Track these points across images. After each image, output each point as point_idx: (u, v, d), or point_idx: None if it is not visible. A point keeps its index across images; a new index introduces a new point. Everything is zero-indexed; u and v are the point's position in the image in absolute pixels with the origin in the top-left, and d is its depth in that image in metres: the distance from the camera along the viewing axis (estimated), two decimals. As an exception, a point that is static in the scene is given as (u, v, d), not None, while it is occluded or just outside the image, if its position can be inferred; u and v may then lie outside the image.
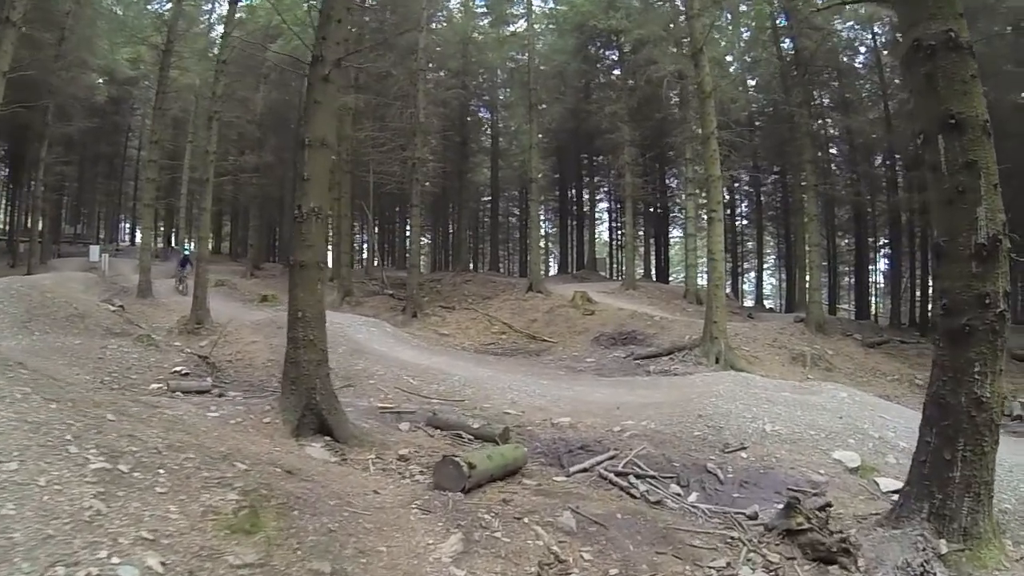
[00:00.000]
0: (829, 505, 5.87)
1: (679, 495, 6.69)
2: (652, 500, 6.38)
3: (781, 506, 5.61)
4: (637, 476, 6.97)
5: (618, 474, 7.01)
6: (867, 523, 5.60)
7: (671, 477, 7.09)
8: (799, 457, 7.72)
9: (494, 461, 6.46)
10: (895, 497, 7.11)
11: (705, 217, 22.18)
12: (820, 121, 26.69)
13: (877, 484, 7.35)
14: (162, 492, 4.21)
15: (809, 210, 22.79)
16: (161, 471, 4.48)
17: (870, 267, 34.65)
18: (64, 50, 29.30)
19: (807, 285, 23.51)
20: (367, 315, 21.89)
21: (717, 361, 15.37)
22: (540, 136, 37.12)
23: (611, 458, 7.60)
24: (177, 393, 10.28)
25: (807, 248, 23.59)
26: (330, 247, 30.20)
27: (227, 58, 21.11)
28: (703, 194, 28.17)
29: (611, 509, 5.77)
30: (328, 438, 7.56)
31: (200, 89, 37.95)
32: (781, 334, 19.82)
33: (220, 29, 36.83)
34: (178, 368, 12.40)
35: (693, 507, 6.37)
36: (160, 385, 10.95)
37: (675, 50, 25.27)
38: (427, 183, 43.97)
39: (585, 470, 7.27)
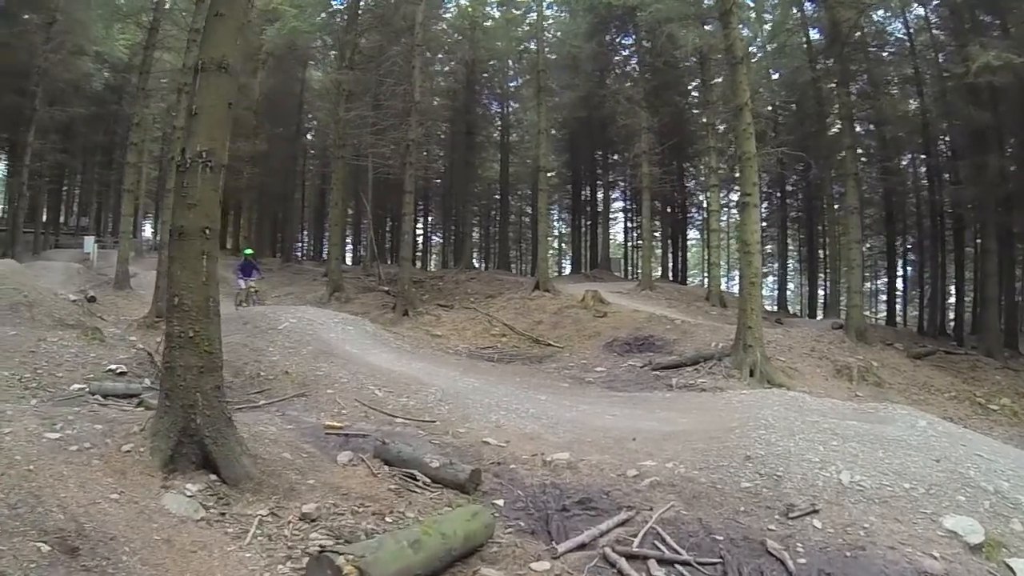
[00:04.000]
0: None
1: (730, 602, 4.29)
2: (688, 618, 3.98)
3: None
4: (662, 562, 4.58)
5: (631, 557, 4.61)
6: None
7: (714, 563, 4.69)
8: (898, 527, 5.28)
9: (424, 551, 3.96)
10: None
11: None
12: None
13: (1012, 571, 5.00)
14: None
15: (849, 202, 20.23)
16: None
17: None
18: (54, 32, 27.61)
19: (847, 287, 20.94)
20: (355, 312, 19.74)
21: (752, 374, 12.83)
22: (553, 132, 35.37)
23: (623, 523, 5.21)
24: (96, 396, 8.74)
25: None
26: (326, 240, 28.25)
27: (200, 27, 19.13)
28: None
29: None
30: (214, 477, 5.34)
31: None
32: (819, 342, 17.34)
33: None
34: (114, 366, 10.58)
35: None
36: (83, 386, 9.24)
37: (697, 30, 23.09)
38: (437, 180, 42.59)
39: (583, 546, 4.85)
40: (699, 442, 7.01)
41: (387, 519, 5.11)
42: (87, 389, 9.07)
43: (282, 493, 5.35)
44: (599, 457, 6.81)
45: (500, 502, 5.78)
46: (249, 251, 20.59)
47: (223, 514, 4.91)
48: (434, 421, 8.54)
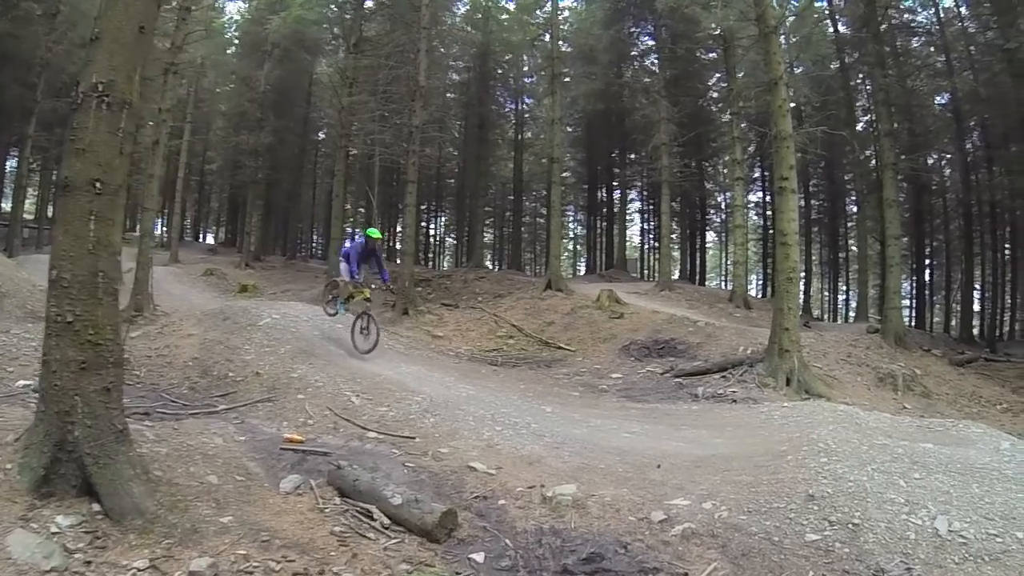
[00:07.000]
0: None
1: None
2: None
3: None
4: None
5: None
6: None
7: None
8: (1025, 603, 3.78)
9: None
10: None
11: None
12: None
13: None
14: None
15: (887, 194, 18.67)
16: None
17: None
18: (57, 23, 26.66)
19: (886, 288, 19.34)
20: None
21: (788, 383, 11.23)
22: (568, 128, 34.06)
23: (647, 597, 3.73)
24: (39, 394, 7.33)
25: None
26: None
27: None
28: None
29: None
30: (97, 508, 4.02)
31: (201, 67, 35.54)
32: (855, 347, 15.79)
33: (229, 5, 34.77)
34: (74, 361, 9.27)
35: None
36: (30, 382, 7.83)
37: (721, 11, 21.75)
38: (450, 180, 41.50)
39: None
40: (742, 472, 5.48)
41: (313, 586, 3.67)
42: (31, 386, 7.56)
43: (178, 536, 3.94)
44: (614, 492, 5.25)
45: (479, 556, 4.30)
46: (375, 232, 13.13)
47: (89, 563, 3.55)
48: (413, 437, 7.05)
